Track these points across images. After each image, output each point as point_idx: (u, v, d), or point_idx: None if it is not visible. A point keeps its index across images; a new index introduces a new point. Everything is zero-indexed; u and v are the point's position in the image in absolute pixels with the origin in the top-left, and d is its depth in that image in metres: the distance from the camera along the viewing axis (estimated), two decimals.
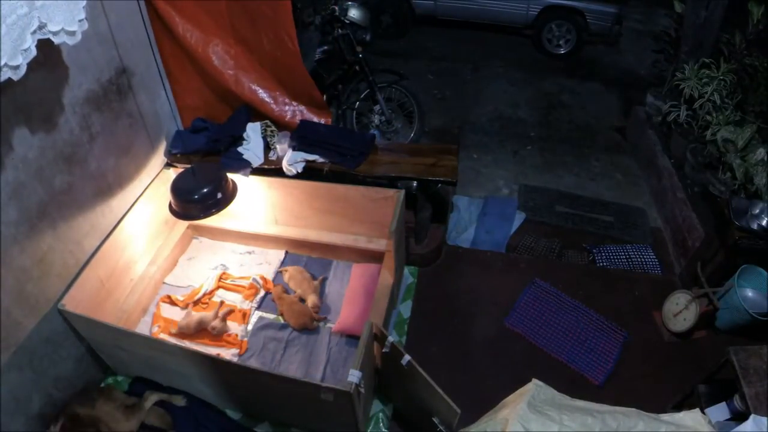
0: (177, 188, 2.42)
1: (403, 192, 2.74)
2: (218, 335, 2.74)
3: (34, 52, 1.63)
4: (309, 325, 2.80)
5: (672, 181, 3.66)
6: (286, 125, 3.16)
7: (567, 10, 5.69)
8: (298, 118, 3.17)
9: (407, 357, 2.07)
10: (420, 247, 3.25)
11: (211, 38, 2.84)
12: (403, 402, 2.50)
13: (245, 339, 2.79)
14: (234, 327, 2.84)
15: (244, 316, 2.88)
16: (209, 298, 3.00)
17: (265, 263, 3.20)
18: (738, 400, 2.06)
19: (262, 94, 3.07)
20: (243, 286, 3.04)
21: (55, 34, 1.69)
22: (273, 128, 3.12)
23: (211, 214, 2.42)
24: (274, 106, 3.12)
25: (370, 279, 2.93)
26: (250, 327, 2.86)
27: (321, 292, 3.02)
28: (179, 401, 2.49)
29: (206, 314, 2.78)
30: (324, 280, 3.10)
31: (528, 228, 3.75)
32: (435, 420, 2.09)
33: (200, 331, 2.76)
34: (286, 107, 3.16)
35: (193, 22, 2.76)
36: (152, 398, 2.41)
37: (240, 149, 2.99)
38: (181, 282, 3.09)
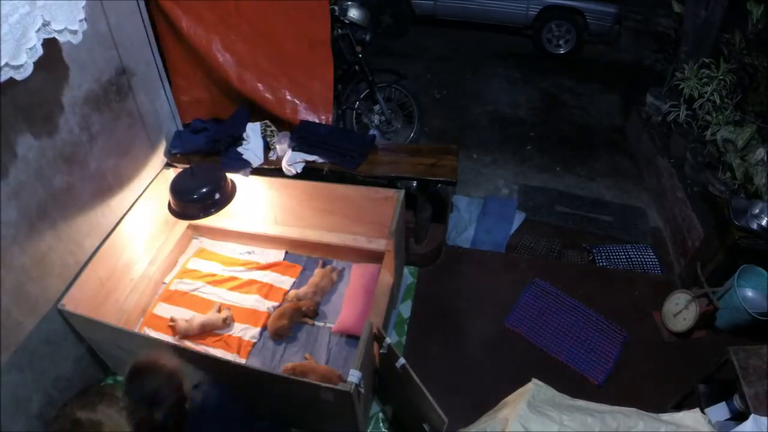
0: (176, 188, 2.42)
1: (402, 192, 2.74)
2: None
3: (40, 50, 1.63)
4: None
5: (672, 181, 3.66)
6: (287, 123, 3.17)
7: (567, 10, 5.69)
8: (299, 116, 3.17)
9: (402, 360, 2.06)
10: (420, 247, 3.25)
11: (214, 35, 2.85)
12: (399, 404, 2.50)
13: (253, 341, 2.79)
14: (246, 329, 2.83)
15: (259, 320, 2.87)
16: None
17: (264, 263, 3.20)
18: (738, 400, 2.06)
19: (265, 90, 3.08)
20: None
21: (59, 32, 1.70)
22: (273, 128, 3.12)
23: (211, 213, 2.41)
24: (276, 104, 3.13)
25: (370, 279, 2.93)
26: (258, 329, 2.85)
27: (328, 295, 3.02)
28: None
29: (209, 317, 2.77)
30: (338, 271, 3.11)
31: (528, 228, 3.75)
32: (425, 427, 2.08)
33: (204, 332, 2.78)
34: (288, 105, 3.16)
35: (197, 19, 2.78)
36: None
37: (240, 149, 2.99)
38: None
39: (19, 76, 1.60)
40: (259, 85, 3.05)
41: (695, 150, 3.52)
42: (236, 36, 2.90)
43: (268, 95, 3.09)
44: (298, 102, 3.17)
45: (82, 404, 2.27)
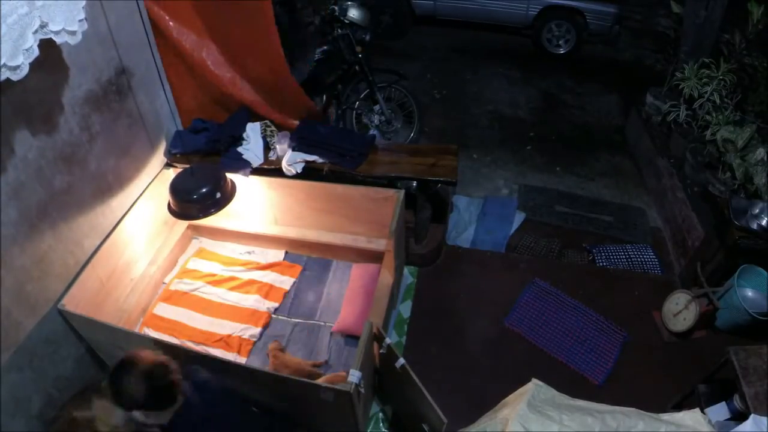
0: (176, 188, 2.42)
1: (402, 192, 2.74)
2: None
3: (36, 51, 1.63)
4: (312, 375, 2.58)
5: (672, 181, 3.66)
6: (286, 126, 3.17)
7: (566, 10, 5.69)
8: (293, 121, 3.17)
9: (401, 360, 2.06)
10: (420, 247, 3.25)
11: (206, 41, 2.83)
12: (399, 404, 2.50)
13: (253, 340, 2.79)
14: (246, 329, 2.83)
15: (259, 320, 2.88)
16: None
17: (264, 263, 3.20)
18: (738, 399, 2.06)
19: (259, 96, 3.07)
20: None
21: (56, 33, 1.69)
22: (273, 128, 3.12)
23: (210, 214, 2.41)
24: (271, 110, 3.12)
25: (370, 279, 2.93)
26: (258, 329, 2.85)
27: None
28: None
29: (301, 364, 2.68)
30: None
31: (528, 228, 3.75)
32: (425, 427, 2.08)
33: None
34: (283, 110, 3.15)
35: (187, 26, 2.76)
36: None
37: (240, 149, 2.99)
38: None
39: (15, 76, 1.59)
40: (253, 90, 3.04)
41: (695, 150, 3.52)
42: (227, 41, 2.88)
43: (263, 102, 3.08)
44: (293, 108, 3.16)
45: (77, 404, 2.26)
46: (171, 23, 2.71)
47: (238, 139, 3.03)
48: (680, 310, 2.84)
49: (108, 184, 2.58)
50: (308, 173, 2.96)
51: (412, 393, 2.07)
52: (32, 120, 2.05)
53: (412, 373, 2.02)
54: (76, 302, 2.33)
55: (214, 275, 3.10)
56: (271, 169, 2.99)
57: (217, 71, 2.90)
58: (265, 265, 3.17)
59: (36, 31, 1.61)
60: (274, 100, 3.11)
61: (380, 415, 2.56)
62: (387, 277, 2.81)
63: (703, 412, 1.93)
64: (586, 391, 2.64)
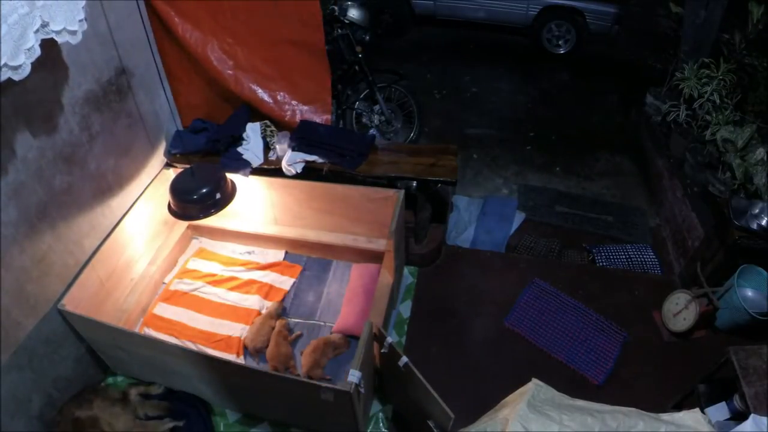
0: (176, 188, 2.42)
1: (402, 192, 2.74)
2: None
3: (38, 51, 1.63)
4: (280, 369, 2.60)
5: (671, 181, 3.66)
6: (286, 125, 3.17)
7: (566, 10, 5.69)
8: (297, 117, 3.17)
9: (404, 359, 2.06)
10: (420, 247, 3.25)
11: (210, 38, 2.84)
12: (401, 403, 2.50)
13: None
14: (246, 329, 2.83)
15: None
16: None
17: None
18: (738, 399, 2.06)
19: (262, 93, 3.08)
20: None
21: (57, 33, 1.70)
22: (272, 128, 3.12)
23: (211, 214, 2.41)
24: (273, 106, 3.12)
25: (370, 279, 2.93)
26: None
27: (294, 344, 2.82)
28: (156, 390, 2.53)
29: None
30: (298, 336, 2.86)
31: (528, 228, 3.75)
32: (430, 423, 2.09)
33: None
34: (286, 107, 3.16)
35: (192, 22, 2.77)
36: (134, 390, 2.46)
37: (240, 149, 2.99)
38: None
39: (17, 76, 1.60)
40: (255, 87, 3.04)
41: (695, 150, 3.52)
42: (232, 38, 2.90)
43: (265, 98, 3.08)
44: (295, 104, 3.17)
45: (79, 403, 2.29)
46: (176, 18, 2.72)
47: (238, 139, 3.03)
48: (680, 310, 2.84)
49: (108, 184, 2.58)
50: (308, 173, 2.96)
51: (416, 391, 2.08)
52: (32, 120, 2.05)
53: (416, 371, 2.02)
54: (76, 302, 2.33)
55: (214, 275, 3.10)
56: (271, 169, 2.99)
57: (221, 68, 2.91)
58: (265, 265, 3.17)
59: (37, 31, 1.61)
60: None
61: (380, 415, 2.56)
62: (387, 277, 2.81)
63: (703, 412, 1.93)
64: (586, 391, 2.64)
